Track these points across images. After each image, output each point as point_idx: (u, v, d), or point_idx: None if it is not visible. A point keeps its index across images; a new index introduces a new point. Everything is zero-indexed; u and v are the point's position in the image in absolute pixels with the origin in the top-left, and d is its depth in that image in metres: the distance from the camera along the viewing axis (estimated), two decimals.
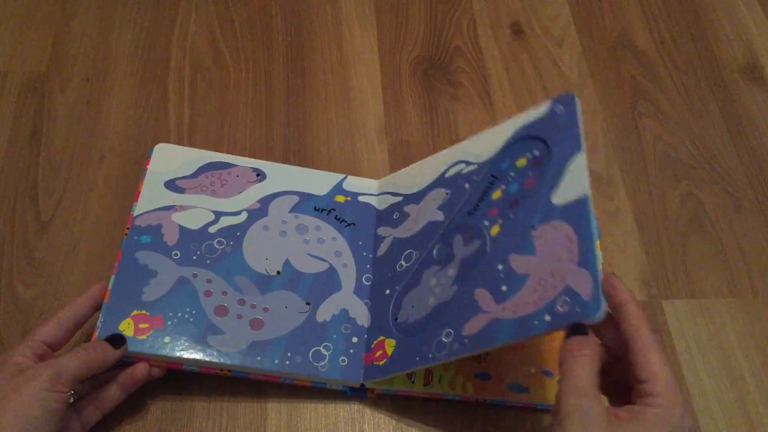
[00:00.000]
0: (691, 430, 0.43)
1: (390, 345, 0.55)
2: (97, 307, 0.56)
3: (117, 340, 0.54)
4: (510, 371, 0.58)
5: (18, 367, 0.49)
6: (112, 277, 0.57)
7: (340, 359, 0.56)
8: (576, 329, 0.45)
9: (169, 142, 0.71)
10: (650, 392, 0.42)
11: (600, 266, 0.48)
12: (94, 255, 0.65)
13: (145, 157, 0.65)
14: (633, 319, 0.44)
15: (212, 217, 0.62)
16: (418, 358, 0.52)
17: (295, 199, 0.64)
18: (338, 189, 0.66)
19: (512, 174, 0.54)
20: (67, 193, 0.68)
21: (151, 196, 0.62)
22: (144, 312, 0.56)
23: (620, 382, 0.46)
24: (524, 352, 0.59)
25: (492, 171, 0.56)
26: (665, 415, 0.41)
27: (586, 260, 0.45)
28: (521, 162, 0.54)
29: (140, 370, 0.55)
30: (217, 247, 0.60)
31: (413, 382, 0.57)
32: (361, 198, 0.65)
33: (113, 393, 0.54)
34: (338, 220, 0.64)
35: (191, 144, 0.71)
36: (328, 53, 0.79)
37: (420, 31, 0.82)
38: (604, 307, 0.43)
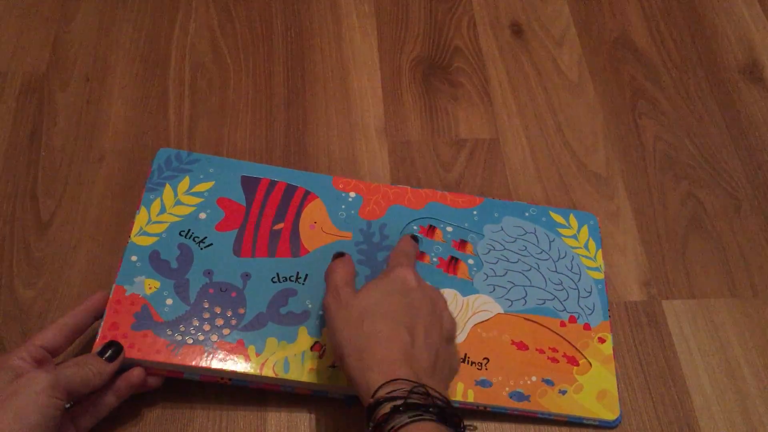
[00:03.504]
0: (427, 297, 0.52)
1: None
2: (98, 316, 0.56)
3: (112, 348, 0.54)
4: (511, 379, 0.58)
5: (16, 371, 0.49)
6: (113, 286, 0.58)
7: None
8: (337, 256, 0.57)
9: (168, 142, 0.72)
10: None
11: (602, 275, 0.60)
12: (94, 255, 0.65)
13: (145, 157, 0.65)
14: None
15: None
16: None
17: None
18: None
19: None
20: (67, 193, 0.68)
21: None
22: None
23: None
24: (526, 361, 0.59)
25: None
26: (388, 274, 0.53)
27: None
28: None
29: (135, 375, 0.55)
30: None
31: None
32: None
33: (108, 398, 0.54)
34: None
35: (191, 144, 0.71)
36: (328, 53, 0.79)
37: (420, 31, 0.82)
38: None
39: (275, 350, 0.57)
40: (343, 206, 0.65)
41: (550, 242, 0.66)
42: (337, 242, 0.63)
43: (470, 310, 0.61)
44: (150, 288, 0.58)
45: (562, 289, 0.63)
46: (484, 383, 0.58)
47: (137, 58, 0.78)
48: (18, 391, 0.47)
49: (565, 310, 0.62)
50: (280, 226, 0.63)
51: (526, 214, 0.67)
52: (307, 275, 0.61)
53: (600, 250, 0.66)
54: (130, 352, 0.55)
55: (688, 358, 0.62)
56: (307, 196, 0.65)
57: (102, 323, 0.56)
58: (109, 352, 0.53)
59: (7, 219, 0.66)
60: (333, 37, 0.81)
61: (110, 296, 0.57)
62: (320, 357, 0.57)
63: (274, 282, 0.60)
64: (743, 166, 0.73)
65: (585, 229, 0.67)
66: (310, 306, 0.59)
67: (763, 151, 0.74)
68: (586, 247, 0.66)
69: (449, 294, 0.62)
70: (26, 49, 0.77)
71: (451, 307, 0.61)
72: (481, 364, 0.59)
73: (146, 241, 0.61)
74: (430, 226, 0.65)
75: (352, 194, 0.66)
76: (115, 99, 0.74)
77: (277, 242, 0.62)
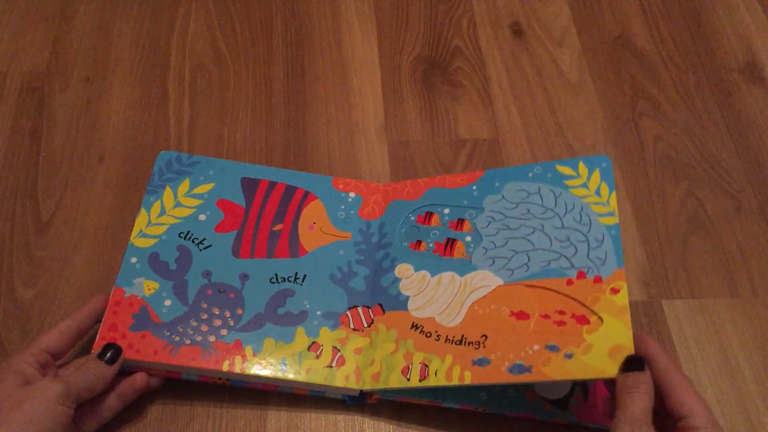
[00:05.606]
0: None
1: None
2: (98, 319, 0.56)
3: (111, 351, 0.54)
4: (510, 353, 0.54)
5: (23, 375, 0.49)
6: (113, 287, 0.58)
7: None
8: (631, 364, 0.49)
9: (168, 141, 0.72)
10: (693, 425, 0.47)
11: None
12: (94, 255, 0.65)
13: (145, 157, 0.65)
14: (666, 367, 0.50)
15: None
16: None
17: None
18: None
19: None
20: (67, 193, 0.68)
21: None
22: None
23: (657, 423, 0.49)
24: (528, 330, 0.55)
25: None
26: None
27: None
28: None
29: (139, 379, 0.55)
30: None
31: (408, 379, 0.55)
32: None
33: (111, 403, 0.54)
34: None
35: (191, 144, 0.72)
36: (328, 53, 0.79)
37: (420, 31, 0.82)
38: None
39: (273, 350, 0.57)
40: (342, 206, 0.65)
41: (555, 198, 0.61)
42: (336, 242, 0.63)
43: (468, 288, 0.59)
44: (149, 289, 0.58)
45: (569, 245, 0.58)
46: (482, 362, 0.54)
47: (137, 58, 0.78)
48: (32, 397, 0.47)
49: (572, 266, 0.57)
50: (279, 226, 0.63)
51: (530, 175, 0.63)
52: (305, 276, 0.61)
53: (614, 193, 0.60)
54: (129, 353, 0.55)
55: (688, 358, 0.62)
56: (306, 196, 0.65)
57: (101, 324, 0.56)
58: (109, 354, 0.53)
59: (7, 219, 0.66)
60: (333, 37, 0.81)
61: (109, 298, 0.57)
62: (317, 357, 0.57)
63: (272, 282, 0.60)
64: (743, 166, 0.73)
65: (597, 173, 0.61)
66: (307, 306, 0.59)
67: (763, 151, 0.74)
68: (597, 192, 0.60)
69: (447, 277, 0.60)
70: (26, 49, 0.77)
71: (449, 291, 0.59)
72: (479, 342, 0.55)
73: (146, 243, 0.61)
74: (427, 213, 0.64)
75: (352, 194, 0.66)
76: (115, 99, 0.75)
77: (276, 243, 0.62)
